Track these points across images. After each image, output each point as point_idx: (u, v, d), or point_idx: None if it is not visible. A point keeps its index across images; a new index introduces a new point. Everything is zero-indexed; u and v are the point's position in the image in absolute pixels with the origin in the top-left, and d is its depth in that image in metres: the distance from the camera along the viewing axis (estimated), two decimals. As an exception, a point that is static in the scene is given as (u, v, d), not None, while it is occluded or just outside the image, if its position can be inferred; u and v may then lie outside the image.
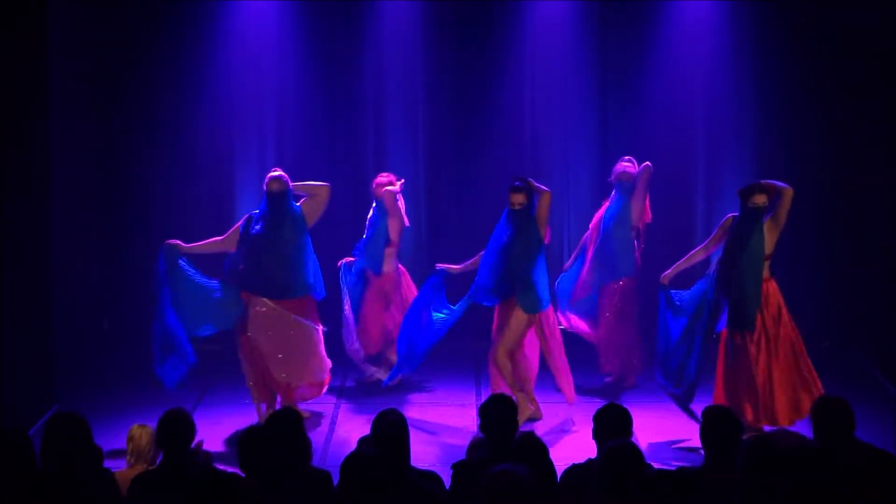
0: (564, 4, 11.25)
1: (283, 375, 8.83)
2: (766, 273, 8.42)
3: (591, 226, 9.91)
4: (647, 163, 9.65)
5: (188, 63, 11.04)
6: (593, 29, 11.27)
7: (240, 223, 9.03)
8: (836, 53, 10.86)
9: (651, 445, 8.25)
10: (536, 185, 8.88)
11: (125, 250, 11.10)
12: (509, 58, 11.32)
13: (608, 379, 9.92)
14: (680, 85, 11.24)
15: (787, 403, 8.31)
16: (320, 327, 9.04)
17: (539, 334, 8.92)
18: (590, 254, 9.79)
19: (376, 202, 9.85)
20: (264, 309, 8.81)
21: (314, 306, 9.02)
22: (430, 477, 5.57)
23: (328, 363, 9.09)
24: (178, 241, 8.95)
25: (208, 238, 9.20)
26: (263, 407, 8.93)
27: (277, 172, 8.92)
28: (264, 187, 8.88)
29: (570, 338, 10.10)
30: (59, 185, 9.50)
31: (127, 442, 6.39)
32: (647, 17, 11.20)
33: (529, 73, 11.36)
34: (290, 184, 8.90)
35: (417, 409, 9.21)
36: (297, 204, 8.92)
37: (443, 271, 9.18)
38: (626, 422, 5.68)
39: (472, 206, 11.16)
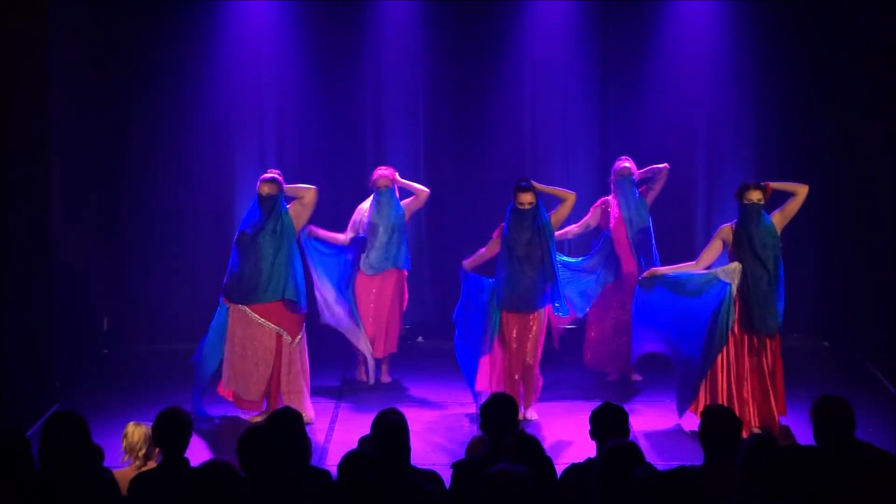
0: (564, 4, 11.26)
1: (232, 383, 8.82)
2: None
3: (612, 226, 9.81)
4: (667, 164, 9.72)
5: (188, 62, 11.05)
6: (593, 29, 11.27)
7: None
8: (837, 51, 10.86)
9: (651, 445, 8.25)
10: (560, 189, 8.93)
11: (125, 250, 11.12)
12: (509, 57, 11.32)
13: (609, 378, 9.92)
14: (680, 84, 11.25)
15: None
16: (300, 339, 8.87)
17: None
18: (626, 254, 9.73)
19: (377, 196, 9.79)
20: (243, 315, 8.76)
21: (298, 314, 8.84)
22: (430, 477, 5.57)
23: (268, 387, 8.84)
24: None
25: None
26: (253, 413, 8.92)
27: (271, 175, 8.78)
28: (256, 188, 8.78)
29: (572, 337, 10.15)
30: (59, 184, 9.49)
31: (122, 439, 6.40)
32: (647, 17, 11.21)
33: (529, 72, 11.36)
34: (284, 185, 8.79)
35: (417, 409, 9.20)
36: (287, 206, 8.82)
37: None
38: (622, 421, 5.66)
39: (471, 206, 11.16)
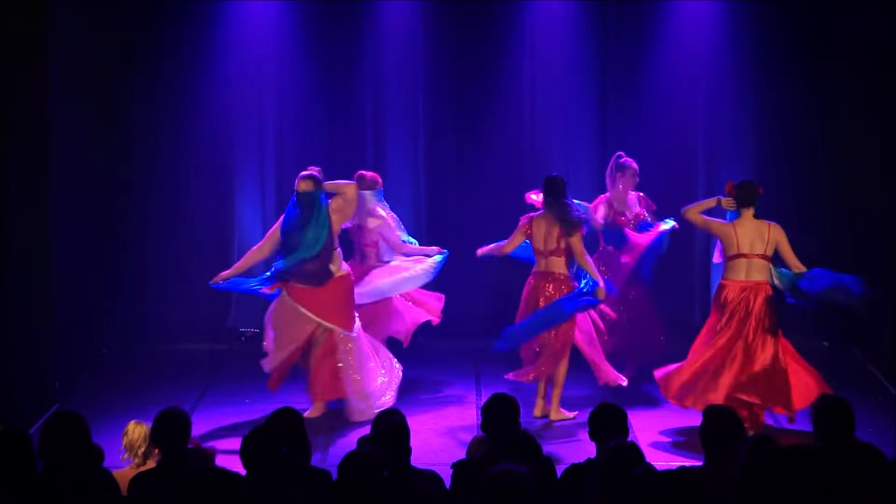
0: (564, 4, 11.26)
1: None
2: None
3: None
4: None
5: (188, 62, 11.04)
6: (593, 28, 11.27)
7: (274, 227, 8.99)
8: (836, 52, 10.86)
9: (651, 445, 8.25)
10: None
11: (125, 250, 11.11)
12: (509, 57, 11.32)
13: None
14: (680, 84, 11.24)
15: None
16: (357, 326, 8.98)
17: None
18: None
19: (382, 195, 9.84)
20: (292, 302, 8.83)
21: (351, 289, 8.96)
22: (430, 477, 5.57)
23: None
24: (223, 273, 8.99)
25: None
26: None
27: (309, 172, 8.81)
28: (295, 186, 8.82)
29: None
30: (59, 184, 9.48)
31: (122, 436, 6.41)
32: (647, 17, 11.21)
33: (529, 72, 11.36)
34: (323, 182, 8.81)
35: (417, 409, 9.19)
36: (328, 201, 8.84)
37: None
38: (621, 420, 5.65)
39: (471, 204, 11.17)
